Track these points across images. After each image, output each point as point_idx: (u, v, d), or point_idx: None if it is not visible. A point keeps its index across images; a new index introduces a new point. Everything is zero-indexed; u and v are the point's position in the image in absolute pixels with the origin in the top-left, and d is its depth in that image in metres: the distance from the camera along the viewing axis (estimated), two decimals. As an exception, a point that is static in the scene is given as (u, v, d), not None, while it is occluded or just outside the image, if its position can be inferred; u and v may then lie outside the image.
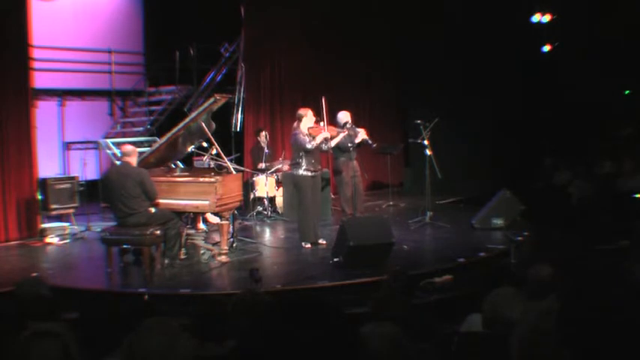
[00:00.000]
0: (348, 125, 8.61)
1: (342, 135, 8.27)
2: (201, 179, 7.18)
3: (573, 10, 11.91)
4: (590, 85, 12.10)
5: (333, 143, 8.16)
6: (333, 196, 10.52)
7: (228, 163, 7.59)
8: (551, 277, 3.52)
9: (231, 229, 7.62)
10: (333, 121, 8.73)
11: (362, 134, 8.74)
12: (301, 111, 7.93)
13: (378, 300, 3.18)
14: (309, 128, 7.81)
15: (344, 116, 8.82)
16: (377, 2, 12.91)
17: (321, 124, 7.89)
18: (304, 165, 7.77)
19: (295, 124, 7.92)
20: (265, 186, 9.91)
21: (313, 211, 7.86)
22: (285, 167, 10.41)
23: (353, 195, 8.84)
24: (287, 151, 11.66)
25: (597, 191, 9.98)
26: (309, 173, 7.80)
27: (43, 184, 9.14)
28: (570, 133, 12.40)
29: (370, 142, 8.81)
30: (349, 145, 8.59)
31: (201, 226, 8.54)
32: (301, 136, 7.74)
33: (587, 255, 6.64)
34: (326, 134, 7.83)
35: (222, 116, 9.38)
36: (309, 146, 7.68)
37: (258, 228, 9.47)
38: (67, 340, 2.28)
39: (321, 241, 7.93)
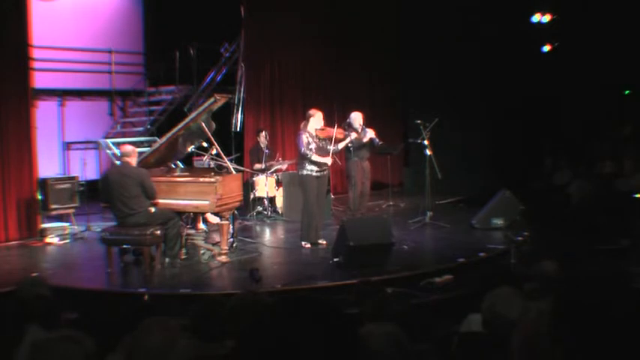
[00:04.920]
0: (359, 127, 8.66)
1: (348, 139, 8.25)
2: (201, 179, 7.17)
3: (573, 10, 11.91)
4: (590, 85, 12.11)
5: (340, 146, 8.15)
6: (332, 196, 10.51)
7: (228, 163, 7.59)
8: (556, 272, 3.53)
9: (231, 229, 7.62)
10: (342, 122, 8.74)
11: (370, 133, 8.75)
12: (311, 111, 7.91)
13: (371, 302, 3.17)
14: (317, 130, 7.81)
15: (357, 117, 8.82)
16: (377, 2, 12.91)
17: (333, 130, 7.89)
18: (309, 165, 7.77)
19: (303, 124, 7.93)
20: (265, 186, 9.91)
21: (316, 211, 7.86)
22: (285, 167, 10.42)
23: (356, 195, 8.87)
24: (287, 151, 11.68)
25: (597, 191, 9.98)
26: (314, 173, 7.80)
27: (43, 184, 9.13)
28: (570, 133, 12.41)
29: (377, 140, 8.83)
30: (350, 145, 8.58)
31: (201, 226, 8.53)
32: (304, 137, 7.73)
33: (587, 255, 6.64)
34: (327, 160, 7.79)
35: (222, 116, 9.38)
36: (305, 152, 7.67)
37: (258, 228, 9.47)
38: (89, 348, 2.28)
39: (321, 241, 7.93)
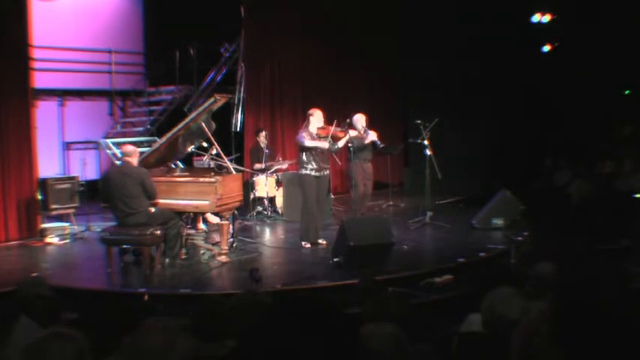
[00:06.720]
0: (362, 129, 8.67)
1: (347, 137, 8.23)
2: (201, 179, 7.17)
3: (573, 10, 11.91)
4: (590, 85, 12.11)
5: (340, 144, 8.14)
6: (333, 196, 10.51)
7: (228, 163, 7.59)
8: (553, 273, 3.53)
9: (231, 229, 7.62)
10: (343, 123, 8.75)
11: (372, 136, 8.74)
12: (311, 111, 7.96)
13: (375, 301, 3.17)
14: (318, 129, 7.83)
15: (360, 119, 8.82)
16: (377, 2, 12.91)
17: (332, 128, 7.89)
18: (308, 165, 7.78)
19: (305, 123, 7.95)
20: (265, 186, 9.91)
21: (315, 211, 7.86)
22: (285, 167, 10.41)
23: (357, 197, 8.86)
24: (287, 151, 11.68)
25: (597, 191, 9.98)
26: (313, 173, 7.80)
27: (43, 184, 9.13)
28: (570, 133, 12.41)
29: (379, 142, 8.83)
30: (350, 146, 8.56)
31: (201, 226, 8.53)
32: (303, 134, 7.76)
33: (587, 255, 6.65)
34: (324, 144, 7.81)
35: (222, 116, 9.38)
36: (306, 143, 7.69)
37: (258, 228, 9.46)
38: (83, 345, 2.28)
39: (321, 241, 7.93)
